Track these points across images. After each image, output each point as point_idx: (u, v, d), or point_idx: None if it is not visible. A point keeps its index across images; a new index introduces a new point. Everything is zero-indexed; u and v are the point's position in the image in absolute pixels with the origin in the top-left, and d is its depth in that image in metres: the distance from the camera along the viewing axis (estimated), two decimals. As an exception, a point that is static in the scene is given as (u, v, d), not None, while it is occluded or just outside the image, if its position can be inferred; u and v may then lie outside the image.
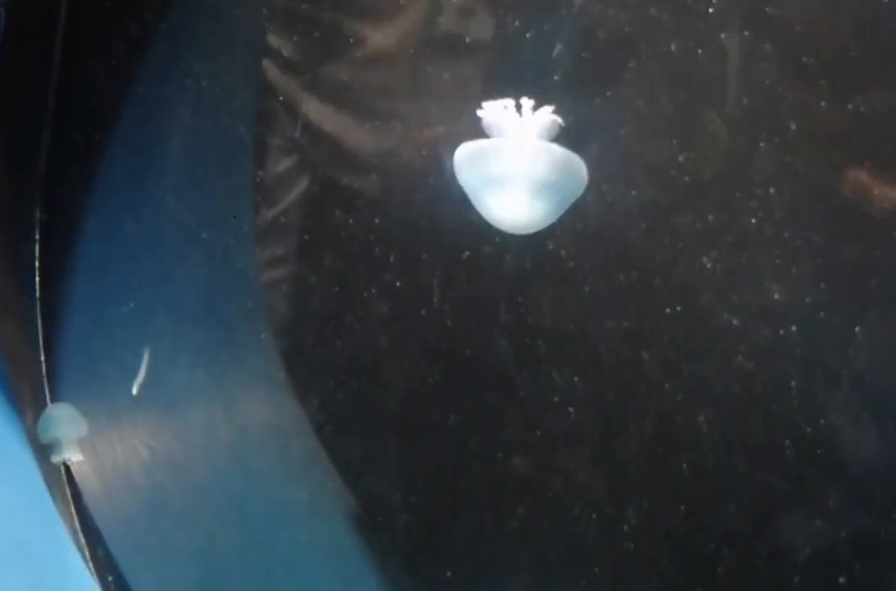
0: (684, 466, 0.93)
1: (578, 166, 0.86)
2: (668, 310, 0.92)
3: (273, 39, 1.05)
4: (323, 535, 1.08)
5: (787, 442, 0.89)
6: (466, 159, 0.85)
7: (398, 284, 1.04)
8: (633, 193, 0.92)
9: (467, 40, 0.98)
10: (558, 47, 0.94)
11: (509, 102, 0.84)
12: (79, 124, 1.13)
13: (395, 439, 1.07)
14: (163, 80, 1.09)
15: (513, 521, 1.03)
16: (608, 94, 0.92)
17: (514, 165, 0.84)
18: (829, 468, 0.88)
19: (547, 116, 0.84)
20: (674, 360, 0.92)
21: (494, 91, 0.88)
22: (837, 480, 0.88)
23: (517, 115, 0.85)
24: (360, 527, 1.07)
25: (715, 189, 0.89)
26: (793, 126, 0.85)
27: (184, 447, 1.10)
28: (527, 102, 0.84)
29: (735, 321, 0.89)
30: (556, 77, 0.94)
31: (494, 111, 0.84)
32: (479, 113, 0.84)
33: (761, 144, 0.86)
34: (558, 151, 0.84)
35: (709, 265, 0.89)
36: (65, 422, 1.07)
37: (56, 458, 1.07)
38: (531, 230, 0.87)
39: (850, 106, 0.82)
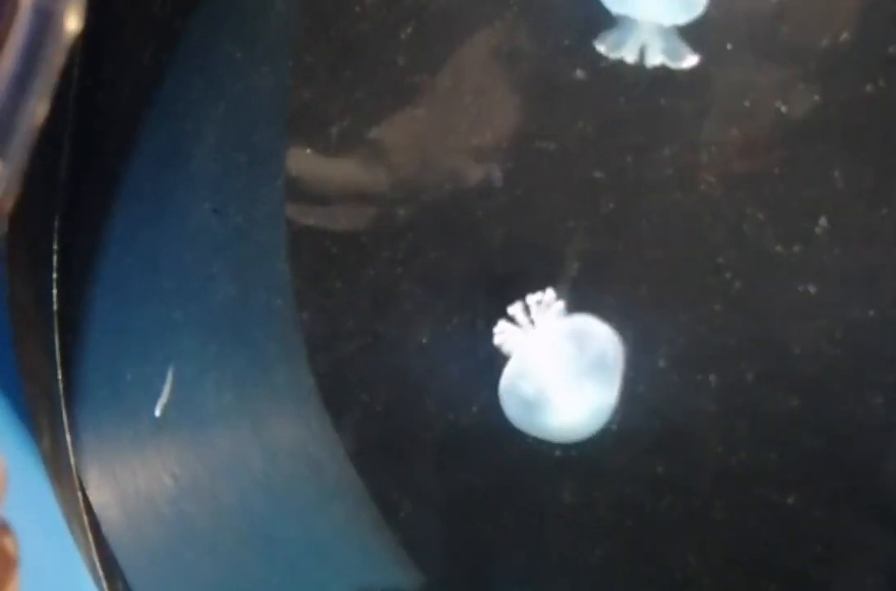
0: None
1: (606, 333, 0.90)
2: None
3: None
4: (354, 566, 1.03)
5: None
6: (509, 394, 0.89)
7: (438, 301, 1.01)
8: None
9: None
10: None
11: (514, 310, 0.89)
12: (101, 131, 1.07)
13: (433, 466, 1.02)
14: (190, 85, 1.04)
15: (555, 555, 0.99)
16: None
17: (553, 370, 0.88)
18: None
19: (552, 302, 0.89)
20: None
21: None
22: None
23: (525, 318, 0.89)
24: (394, 559, 1.02)
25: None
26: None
27: (210, 472, 1.04)
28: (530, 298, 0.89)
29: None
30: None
31: (504, 330, 0.89)
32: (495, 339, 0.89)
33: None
34: (582, 327, 0.89)
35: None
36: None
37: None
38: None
39: None
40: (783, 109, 0.93)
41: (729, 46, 0.93)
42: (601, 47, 0.92)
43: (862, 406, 0.94)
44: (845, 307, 0.94)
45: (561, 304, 0.89)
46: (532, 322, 0.88)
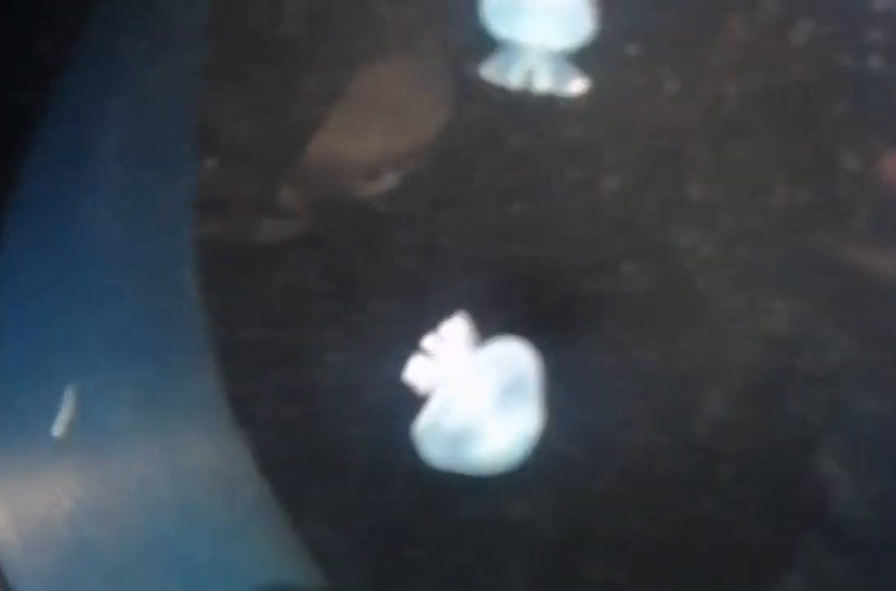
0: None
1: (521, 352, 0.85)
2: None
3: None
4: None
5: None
6: (429, 433, 0.85)
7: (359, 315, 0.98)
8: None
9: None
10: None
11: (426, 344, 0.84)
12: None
13: (354, 486, 0.97)
14: (90, 83, 0.98)
15: (479, 579, 0.98)
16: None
17: (476, 400, 0.84)
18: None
19: (460, 327, 0.85)
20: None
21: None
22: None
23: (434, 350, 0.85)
24: (314, 584, 0.97)
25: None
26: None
27: (114, 494, 0.97)
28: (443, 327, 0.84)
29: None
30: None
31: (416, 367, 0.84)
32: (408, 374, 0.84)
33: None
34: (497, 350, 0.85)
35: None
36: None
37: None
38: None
39: None
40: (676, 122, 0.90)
41: (618, 70, 0.90)
42: (487, 73, 0.89)
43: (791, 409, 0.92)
44: (765, 318, 0.92)
45: (469, 329, 0.85)
46: (445, 353, 0.84)
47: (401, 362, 0.96)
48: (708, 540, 0.94)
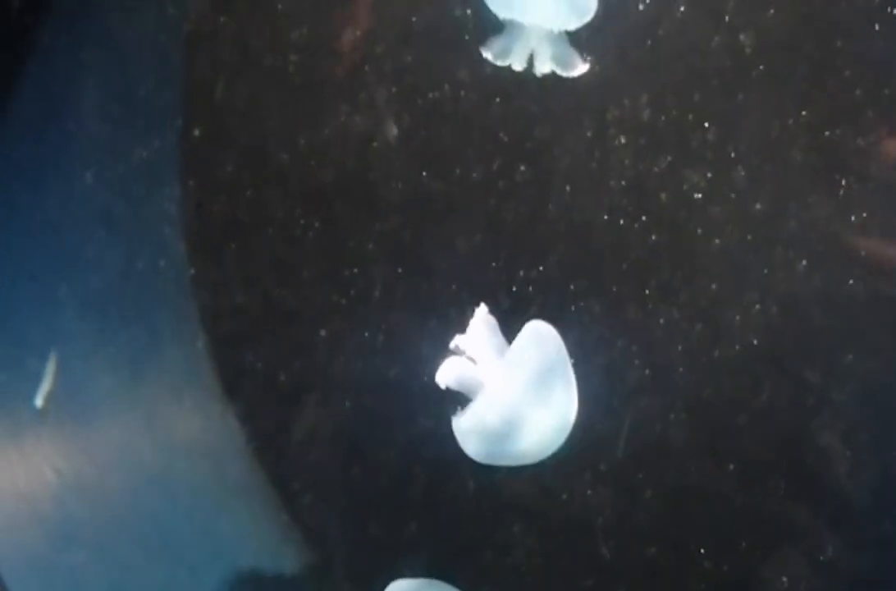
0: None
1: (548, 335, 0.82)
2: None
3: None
4: (261, 568, 0.95)
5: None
6: (472, 431, 0.82)
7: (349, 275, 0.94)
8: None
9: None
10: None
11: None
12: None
13: (343, 459, 0.95)
14: (76, 38, 0.93)
15: (462, 554, 0.95)
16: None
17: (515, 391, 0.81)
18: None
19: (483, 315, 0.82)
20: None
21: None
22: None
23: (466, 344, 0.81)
24: (304, 561, 0.94)
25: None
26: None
27: (98, 468, 0.93)
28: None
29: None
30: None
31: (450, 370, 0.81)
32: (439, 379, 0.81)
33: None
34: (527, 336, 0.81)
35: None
36: None
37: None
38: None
39: None
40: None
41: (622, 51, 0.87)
42: (488, 54, 0.87)
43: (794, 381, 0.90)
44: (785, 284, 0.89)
45: (493, 319, 0.82)
46: (474, 349, 0.80)
47: (392, 328, 0.93)
48: (708, 512, 0.92)
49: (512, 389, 0.81)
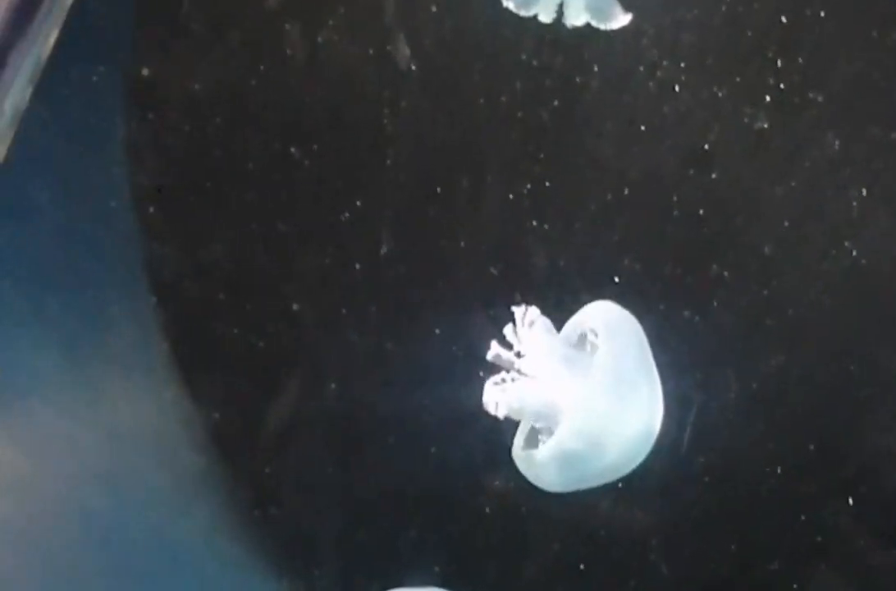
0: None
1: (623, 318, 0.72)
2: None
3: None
4: (225, 581, 0.86)
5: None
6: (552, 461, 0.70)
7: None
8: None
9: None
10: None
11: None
12: None
13: (327, 452, 0.85)
14: None
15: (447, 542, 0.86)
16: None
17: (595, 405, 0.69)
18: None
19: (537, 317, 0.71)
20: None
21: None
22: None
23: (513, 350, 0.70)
24: (266, 569, 0.85)
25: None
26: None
27: (30, 458, 0.84)
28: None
29: None
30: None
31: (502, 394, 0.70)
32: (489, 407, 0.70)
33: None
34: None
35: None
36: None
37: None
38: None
39: None
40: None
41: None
42: (509, 3, 0.78)
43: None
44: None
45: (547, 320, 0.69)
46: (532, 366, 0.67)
47: (369, 311, 0.85)
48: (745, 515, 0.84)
49: (596, 400, 0.67)
